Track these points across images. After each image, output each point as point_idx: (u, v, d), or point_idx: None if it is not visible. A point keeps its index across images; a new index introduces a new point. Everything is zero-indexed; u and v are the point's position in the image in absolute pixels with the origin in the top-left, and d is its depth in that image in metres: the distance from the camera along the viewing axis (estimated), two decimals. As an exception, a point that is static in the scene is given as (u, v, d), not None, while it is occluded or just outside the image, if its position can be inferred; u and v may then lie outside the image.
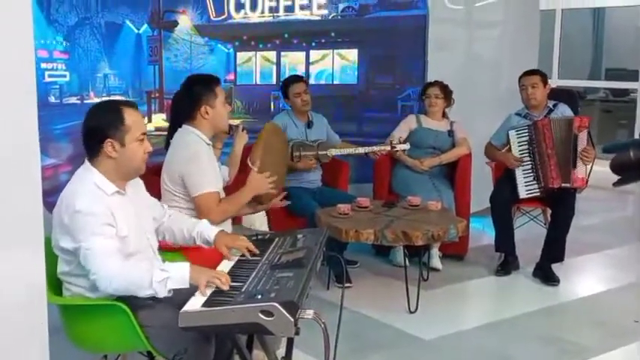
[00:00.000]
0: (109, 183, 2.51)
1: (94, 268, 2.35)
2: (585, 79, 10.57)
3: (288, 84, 4.91)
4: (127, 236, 2.48)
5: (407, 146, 4.78)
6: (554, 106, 4.84)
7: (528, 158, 4.70)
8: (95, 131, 2.51)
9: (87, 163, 2.54)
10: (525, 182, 4.70)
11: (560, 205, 4.66)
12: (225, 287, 2.29)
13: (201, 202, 3.18)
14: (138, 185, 2.72)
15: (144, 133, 2.57)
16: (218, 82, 3.37)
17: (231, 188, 3.57)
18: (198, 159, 3.13)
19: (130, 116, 2.52)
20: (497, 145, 4.91)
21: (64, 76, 4.64)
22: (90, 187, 2.46)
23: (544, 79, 4.81)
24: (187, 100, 3.30)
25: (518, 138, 4.73)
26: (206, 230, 2.79)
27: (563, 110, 4.83)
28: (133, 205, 2.60)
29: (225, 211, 3.26)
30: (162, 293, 2.34)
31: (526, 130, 4.72)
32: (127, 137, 2.50)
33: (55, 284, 2.54)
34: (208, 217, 3.17)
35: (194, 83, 3.35)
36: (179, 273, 2.35)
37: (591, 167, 4.60)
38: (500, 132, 4.91)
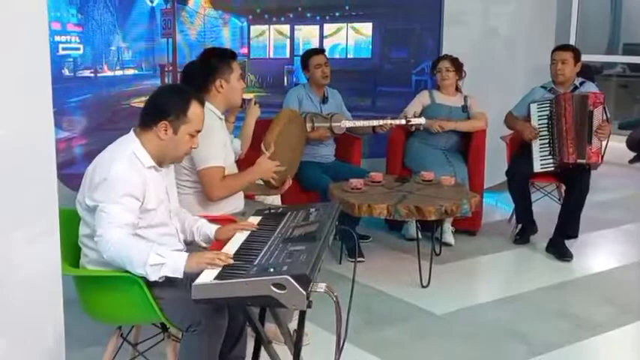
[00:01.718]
0: (148, 156, 2.54)
1: (100, 230, 2.38)
2: (603, 54, 10.43)
3: (309, 55, 4.89)
4: (154, 209, 2.52)
5: (422, 120, 4.74)
6: (581, 84, 4.81)
7: (546, 132, 4.68)
8: (157, 108, 2.56)
9: (132, 134, 2.58)
10: (541, 156, 4.69)
11: (575, 183, 4.64)
12: (229, 262, 2.28)
13: (206, 175, 3.18)
14: (170, 167, 2.76)
15: (198, 131, 2.62)
16: (235, 57, 3.37)
17: (243, 162, 3.57)
18: (209, 134, 3.12)
19: (194, 110, 2.58)
20: (518, 116, 4.89)
21: (78, 49, 4.62)
22: (128, 155, 2.50)
23: (576, 56, 4.77)
24: (203, 73, 3.29)
25: (539, 112, 4.71)
26: (206, 227, 2.78)
27: (589, 88, 4.78)
28: (165, 182, 2.65)
29: (228, 187, 3.25)
30: (153, 277, 2.33)
31: (548, 105, 4.70)
32: (182, 128, 2.56)
33: (70, 256, 2.56)
34: (210, 192, 3.19)
35: (211, 56, 3.35)
36: (175, 262, 2.33)
37: (607, 143, 4.59)
38: (521, 104, 4.90)
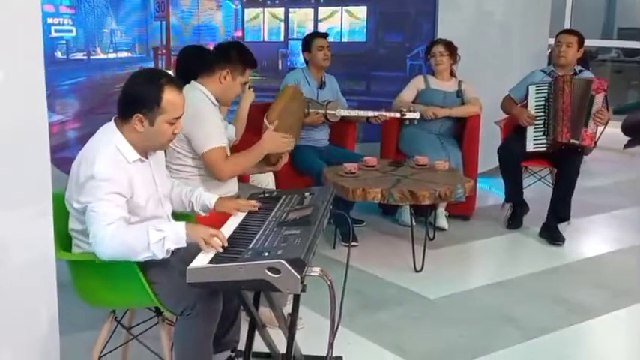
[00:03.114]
0: (132, 150, 2.47)
1: (92, 229, 2.33)
2: (598, 39, 10.43)
3: (312, 37, 4.88)
4: (143, 205, 2.48)
5: (417, 115, 4.74)
6: (580, 71, 4.86)
7: (542, 114, 4.71)
8: (130, 99, 2.46)
9: (113, 125, 2.49)
10: (534, 136, 4.73)
11: (565, 165, 4.68)
12: (223, 245, 2.26)
13: (211, 157, 3.15)
14: (157, 152, 2.69)
15: (177, 117, 2.49)
16: (254, 65, 3.34)
17: (238, 147, 3.55)
18: (201, 116, 3.10)
19: (168, 97, 2.43)
20: (516, 98, 4.91)
21: (71, 31, 4.59)
22: (111, 150, 2.42)
23: (580, 41, 4.81)
24: (217, 56, 3.26)
25: (537, 93, 4.74)
26: (205, 196, 2.78)
27: (587, 76, 4.81)
28: (153, 170, 2.60)
29: (235, 165, 3.24)
30: (161, 254, 2.30)
31: (546, 87, 4.72)
32: (159, 119, 2.44)
33: (64, 240, 2.55)
34: (218, 172, 3.17)
35: (234, 49, 3.30)
36: (175, 231, 2.31)
37: (603, 129, 4.61)
38: (520, 86, 4.92)
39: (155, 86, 2.43)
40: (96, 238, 2.31)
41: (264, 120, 3.44)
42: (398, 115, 4.74)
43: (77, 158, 2.46)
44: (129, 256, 2.32)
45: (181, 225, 2.34)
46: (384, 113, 4.75)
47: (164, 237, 2.29)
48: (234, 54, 3.26)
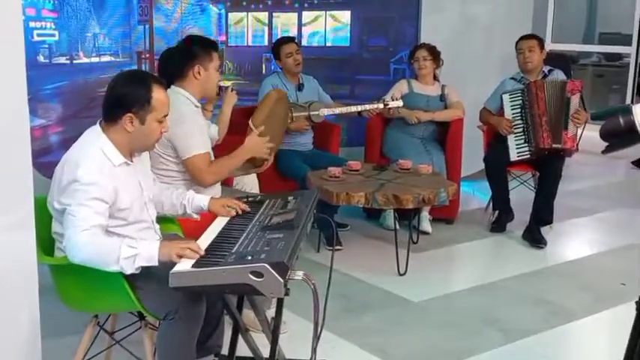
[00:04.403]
0: (118, 153, 2.47)
1: (67, 232, 2.32)
2: (579, 43, 10.50)
3: (279, 44, 4.88)
4: (127, 208, 2.48)
5: (400, 103, 4.74)
6: (549, 71, 4.90)
7: (520, 121, 4.73)
8: (119, 100, 2.46)
9: (98, 127, 2.50)
10: (517, 145, 4.75)
11: (547, 168, 4.71)
12: (196, 256, 2.24)
13: (193, 164, 3.16)
14: (144, 154, 2.70)
15: (165, 115, 2.53)
16: (217, 48, 3.35)
17: (220, 148, 3.55)
18: (185, 121, 3.09)
19: (157, 95, 2.48)
20: (492, 109, 4.94)
21: (53, 35, 4.56)
22: (96, 154, 2.42)
23: (541, 43, 4.86)
24: (182, 58, 3.26)
25: (511, 102, 4.77)
26: (198, 198, 2.79)
27: (558, 75, 4.88)
28: (138, 174, 2.60)
29: (218, 172, 3.25)
30: (129, 271, 2.29)
31: (519, 94, 4.75)
32: (149, 117, 2.47)
33: (45, 244, 2.53)
34: (201, 179, 3.17)
35: (193, 43, 3.33)
36: (148, 251, 2.29)
37: (582, 131, 4.64)
38: (494, 96, 4.95)
39: (144, 85, 2.47)
40: (70, 242, 2.30)
41: (250, 123, 3.44)
42: (381, 105, 4.74)
43: (61, 161, 2.45)
44: (99, 265, 2.30)
45: (155, 245, 2.31)
46: (366, 107, 4.75)
47: (136, 254, 2.28)
48: (195, 48, 3.27)
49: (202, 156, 3.18)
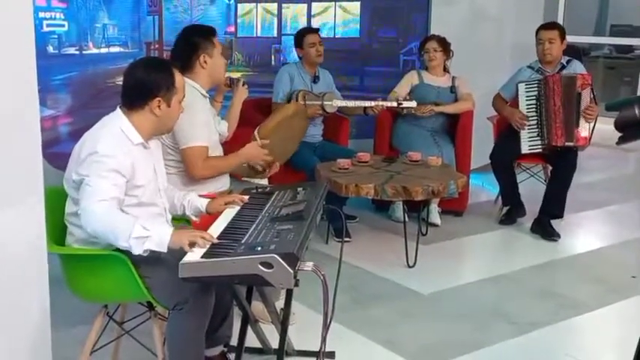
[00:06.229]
0: (137, 133, 2.53)
1: (84, 202, 2.35)
2: (590, 35, 10.44)
3: (303, 34, 4.86)
4: (143, 185, 2.51)
5: (413, 104, 4.73)
6: (568, 62, 4.80)
7: (534, 113, 4.67)
8: (145, 86, 2.54)
9: (119, 111, 2.56)
10: (529, 138, 4.68)
11: (561, 161, 4.66)
12: (208, 244, 2.25)
13: (189, 155, 3.15)
14: (158, 143, 2.76)
15: (184, 96, 2.65)
16: (215, 33, 3.36)
17: (230, 143, 3.54)
18: (190, 111, 3.09)
19: (178, 78, 2.61)
20: (506, 97, 4.88)
21: (63, 25, 4.56)
22: (116, 131, 2.49)
23: (562, 34, 4.74)
24: (186, 51, 3.27)
25: (527, 92, 4.70)
26: (197, 200, 2.79)
27: (576, 67, 4.78)
28: (154, 158, 2.64)
29: (211, 168, 3.23)
30: (137, 251, 2.29)
31: (536, 85, 4.68)
32: (174, 98, 2.58)
33: (56, 234, 2.54)
34: (193, 171, 3.17)
35: (192, 33, 3.33)
36: (160, 236, 2.30)
37: (594, 125, 4.58)
38: (509, 84, 4.88)
39: (167, 69, 2.59)
40: (85, 211, 2.33)
41: (255, 132, 3.44)
42: (395, 104, 4.73)
43: (79, 141, 2.51)
44: (109, 239, 2.33)
45: (168, 232, 2.32)
46: (380, 103, 4.74)
47: (147, 236, 2.29)
48: (197, 38, 3.28)
49: (200, 149, 3.17)
